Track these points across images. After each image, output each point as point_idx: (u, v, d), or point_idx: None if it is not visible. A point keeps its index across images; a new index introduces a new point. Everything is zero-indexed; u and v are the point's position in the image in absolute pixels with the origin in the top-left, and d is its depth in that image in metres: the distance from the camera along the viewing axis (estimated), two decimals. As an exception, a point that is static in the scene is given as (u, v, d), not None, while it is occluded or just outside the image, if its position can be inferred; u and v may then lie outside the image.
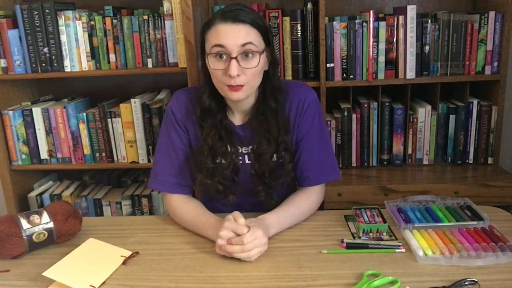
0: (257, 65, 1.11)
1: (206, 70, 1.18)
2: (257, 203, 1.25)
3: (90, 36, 1.83)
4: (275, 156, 1.22)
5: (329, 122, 1.83)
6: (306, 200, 1.24)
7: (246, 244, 1.01)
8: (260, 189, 1.23)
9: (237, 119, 1.25)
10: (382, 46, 1.75)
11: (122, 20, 1.81)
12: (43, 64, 1.84)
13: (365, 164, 1.88)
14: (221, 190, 1.23)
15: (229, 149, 1.22)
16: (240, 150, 1.25)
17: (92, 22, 1.83)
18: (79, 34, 1.82)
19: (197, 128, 1.23)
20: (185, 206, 1.24)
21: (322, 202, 1.33)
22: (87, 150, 1.92)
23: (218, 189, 1.23)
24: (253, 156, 1.24)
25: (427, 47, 1.75)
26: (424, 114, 1.81)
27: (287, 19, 1.78)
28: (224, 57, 1.10)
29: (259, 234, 1.03)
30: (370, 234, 1.12)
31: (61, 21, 1.79)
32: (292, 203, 1.22)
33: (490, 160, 1.83)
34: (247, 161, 1.26)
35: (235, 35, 1.08)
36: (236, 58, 1.08)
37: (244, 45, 1.08)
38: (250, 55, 1.10)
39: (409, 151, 1.86)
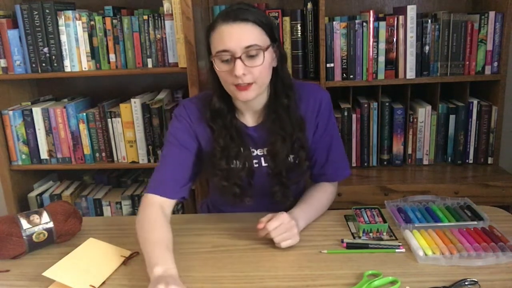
0: (262, 62, 1.09)
1: (214, 72, 1.16)
2: (272, 205, 1.22)
3: (90, 36, 1.84)
4: (291, 157, 1.21)
5: (329, 122, 1.83)
6: (324, 193, 1.26)
7: (271, 231, 1.04)
8: (276, 189, 1.22)
9: (249, 121, 1.23)
10: (382, 46, 1.75)
11: (122, 20, 1.81)
12: (43, 64, 1.84)
13: (365, 164, 1.88)
14: (238, 193, 1.20)
15: (242, 151, 1.21)
16: (255, 153, 1.24)
17: (92, 22, 1.83)
18: (79, 34, 1.82)
19: (209, 132, 1.21)
20: (153, 215, 1.10)
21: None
22: (87, 150, 1.92)
23: (235, 192, 1.20)
24: (268, 157, 1.22)
25: (427, 47, 1.75)
26: (424, 114, 1.81)
27: (287, 19, 1.78)
28: (229, 57, 1.09)
29: (283, 218, 1.06)
30: (370, 234, 1.12)
31: (61, 21, 1.79)
32: (311, 197, 1.23)
33: (490, 160, 1.83)
34: (263, 164, 1.24)
35: (238, 37, 1.07)
36: (240, 57, 1.07)
37: (248, 47, 1.07)
38: (255, 54, 1.08)
39: (409, 151, 1.86)
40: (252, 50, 1.07)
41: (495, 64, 1.75)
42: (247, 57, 1.08)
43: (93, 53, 1.85)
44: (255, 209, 1.24)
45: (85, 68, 1.85)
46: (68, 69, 1.84)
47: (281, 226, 1.06)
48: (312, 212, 1.20)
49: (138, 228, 1.09)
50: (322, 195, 1.25)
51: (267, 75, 1.14)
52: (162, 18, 1.78)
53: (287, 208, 1.17)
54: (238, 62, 1.07)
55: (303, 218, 1.15)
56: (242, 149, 1.20)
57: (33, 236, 1.09)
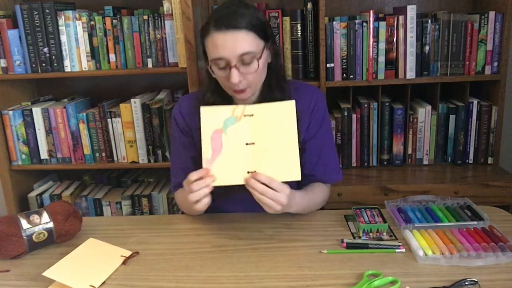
0: (256, 68, 1.12)
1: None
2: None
3: (90, 36, 1.84)
4: None
5: (329, 122, 1.83)
6: (321, 190, 1.27)
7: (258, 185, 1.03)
8: None
9: None
10: (382, 46, 1.75)
11: (122, 20, 1.81)
12: (43, 64, 1.84)
13: (365, 164, 1.88)
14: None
15: None
16: None
17: (92, 22, 1.83)
18: (79, 34, 1.82)
19: None
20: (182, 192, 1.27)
21: (322, 202, 1.33)
22: (87, 150, 1.92)
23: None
24: None
25: (427, 47, 1.75)
26: (424, 114, 1.81)
27: (287, 19, 1.78)
28: (225, 64, 1.11)
29: (282, 188, 1.04)
30: (370, 234, 1.12)
31: (61, 21, 1.79)
32: (308, 189, 1.24)
33: (490, 160, 1.83)
34: None
35: (232, 45, 1.07)
36: (235, 66, 1.09)
37: (242, 55, 1.08)
38: (249, 61, 1.10)
39: (409, 151, 1.86)
40: (246, 57, 1.09)
41: (495, 64, 1.75)
42: (242, 64, 1.10)
43: (93, 53, 1.85)
44: (246, 204, 1.23)
45: (85, 68, 1.85)
46: (68, 69, 1.84)
47: (272, 191, 1.03)
48: (305, 200, 1.19)
49: (187, 210, 1.27)
50: (316, 190, 1.26)
51: (262, 77, 1.18)
52: (162, 18, 1.78)
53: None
54: (234, 70, 1.09)
55: (298, 197, 1.14)
56: None
57: (33, 236, 1.09)
